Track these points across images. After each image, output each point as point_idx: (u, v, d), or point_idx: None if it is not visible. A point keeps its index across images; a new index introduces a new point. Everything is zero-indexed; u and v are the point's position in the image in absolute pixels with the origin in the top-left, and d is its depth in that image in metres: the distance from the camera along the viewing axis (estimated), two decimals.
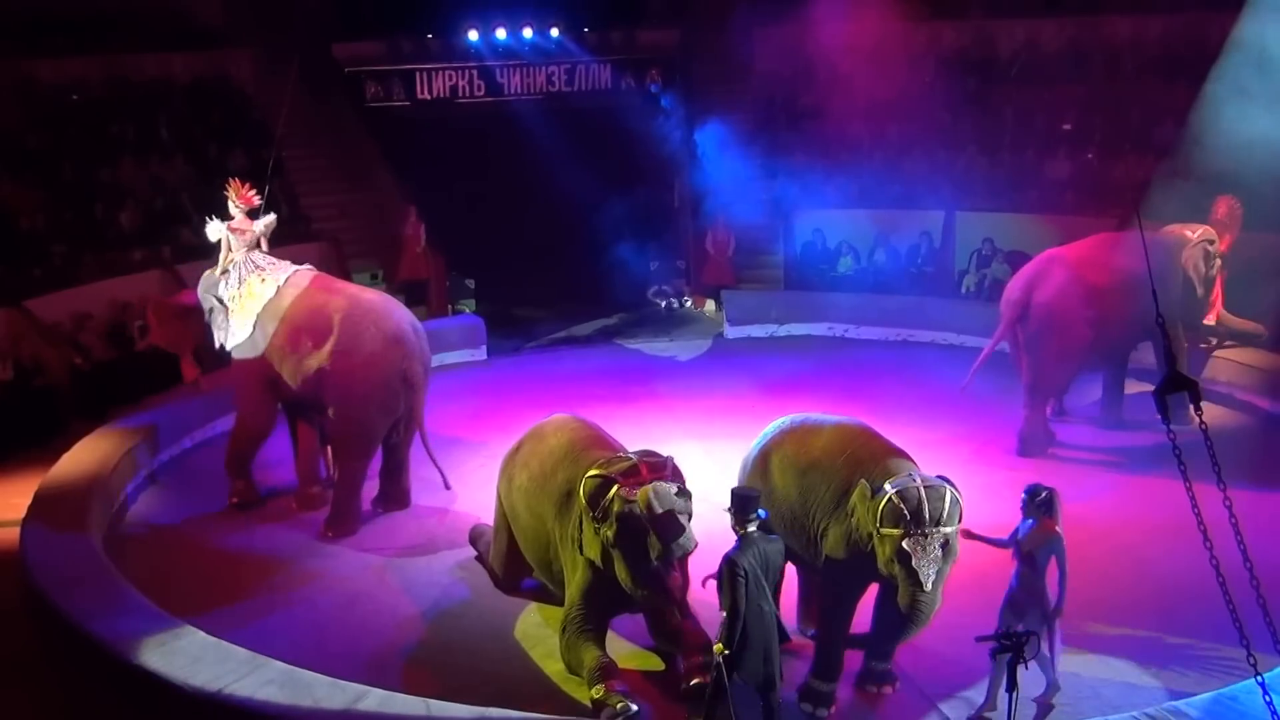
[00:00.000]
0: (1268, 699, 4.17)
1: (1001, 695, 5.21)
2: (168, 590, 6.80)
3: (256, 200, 8.19)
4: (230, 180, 8.30)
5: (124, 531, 7.90)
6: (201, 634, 5.90)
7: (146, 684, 5.53)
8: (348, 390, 7.57)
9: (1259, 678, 4.34)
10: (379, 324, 7.60)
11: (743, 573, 4.76)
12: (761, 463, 5.89)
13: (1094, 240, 9.19)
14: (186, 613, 6.33)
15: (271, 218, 8.31)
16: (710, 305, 13.38)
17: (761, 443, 6.00)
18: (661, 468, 5.52)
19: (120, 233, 11.78)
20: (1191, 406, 4.30)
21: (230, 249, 8.10)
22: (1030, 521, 5.36)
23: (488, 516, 6.99)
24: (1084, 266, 8.65)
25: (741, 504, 4.94)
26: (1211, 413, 4.40)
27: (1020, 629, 4.86)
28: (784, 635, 4.99)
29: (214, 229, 8.15)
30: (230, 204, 8.18)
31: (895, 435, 9.08)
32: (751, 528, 4.92)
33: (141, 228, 11.91)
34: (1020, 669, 4.43)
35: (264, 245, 8.23)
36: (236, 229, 8.13)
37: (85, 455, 8.25)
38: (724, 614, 4.83)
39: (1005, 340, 9.04)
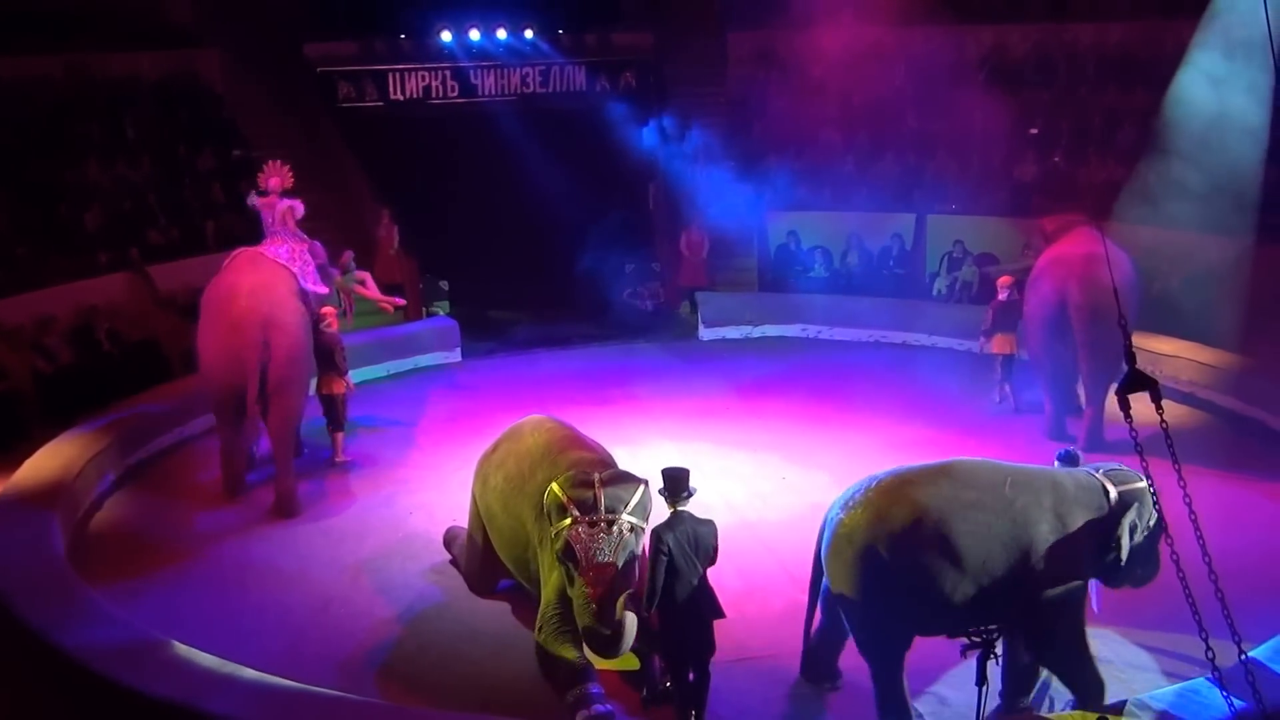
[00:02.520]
0: (1225, 692, 4.24)
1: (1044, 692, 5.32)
2: (134, 598, 6.72)
3: (289, 181, 8.79)
4: (269, 161, 8.96)
5: (89, 538, 7.76)
6: (169, 642, 5.80)
7: (113, 695, 5.42)
8: (203, 372, 8.24)
9: (1216, 671, 4.43)
10: (220, 311, 7.98)
11: (666, 547, 5.10)
12: (875, 522, 5.17)
13: (1084, 238, 9.22)
14: (154, 621, 6.24)
15: (292, 205, 8.75)
16: (685, 307, 13.39)
17: (852, 501, 5.33)
18: (620, 502, 5.27)
19: (85, 234, 11.59)
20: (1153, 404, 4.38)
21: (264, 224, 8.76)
22: None
23: (463, 519, 6.95)
24: (1099, 263, 8.48)
25: (674, 483, 5.23)
26: (1172, 410, 4.46)
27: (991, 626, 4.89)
28: (718, 611, 5.24)
29: (252, 203, 8.86)
30: (266, 182, 8.80)
31: (870, 436, 9.26)
32: (683, 506, 5.21)
33: (108, 229, 11.72)
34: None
35: (290, 224, 8.68)
36: (263, 206, 8.74)
37: (48, 461, 8.09)
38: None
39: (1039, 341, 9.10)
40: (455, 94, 13.91)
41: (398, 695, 5.82)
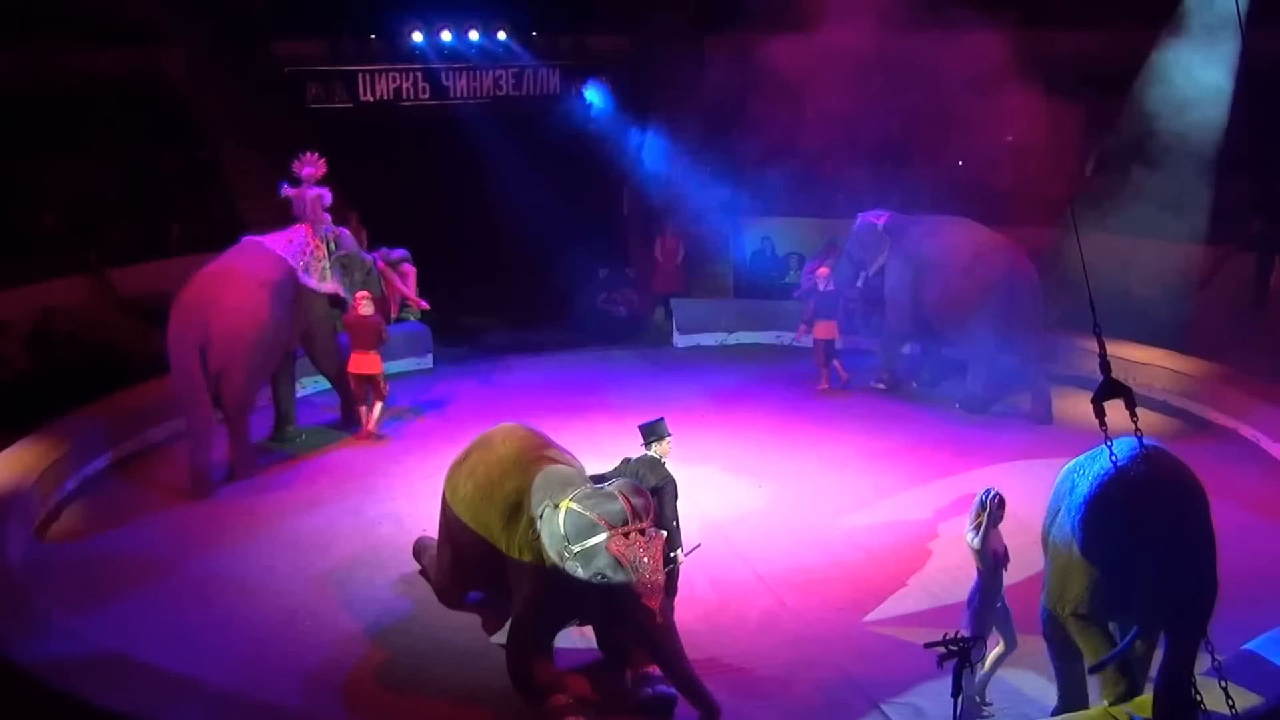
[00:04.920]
0: (1198, 696, 4.25)
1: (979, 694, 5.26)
2: (92, 611, 6.54)
3: (321, 170, 9.23)
4: (305, 153, 9.32)
5: (46, 550, 7.52)
6: (129, 657, 5.65)
7: (69, 711, 5.24)
8: None
9: (1191, 676, 4.43)
10: (180, 294, 8.54)
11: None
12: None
13: (969, 227, 10.36)
14: (112, 634, 6.09)
15: (320, 193, 9.21)
16: (659, 313, 13.32)
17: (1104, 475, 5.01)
18: (646, 509, 5.37)
19: (44, 236, 11.31)
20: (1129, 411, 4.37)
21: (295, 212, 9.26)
22: (993, 527, 5.37)
23: (433, 529, 6.81)
24: (1022, 252, 9.94)
25: (651, 432, 6.16)
26: (1146, 418, 4.47)
27: (966, 634, 4.86)
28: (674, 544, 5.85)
29: (285, 193, 9.30)
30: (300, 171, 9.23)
31: (845, 445, 9.24)
32: (652, 451, 6.07)
33: (66, 230, 11.45)
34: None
35: (318, 213, 9.22)
36: (295, 195, 9.20)
37: (3, 469, 7.84)
38: None
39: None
40: (427, 96, 13.73)
41: (365, 710, 5.70)
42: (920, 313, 10.31)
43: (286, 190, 9.23)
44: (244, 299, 8.47)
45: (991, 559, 5.34)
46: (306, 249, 9.13)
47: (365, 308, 9.25)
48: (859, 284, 10.82)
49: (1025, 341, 9.56)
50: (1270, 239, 10.81)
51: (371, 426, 9.45)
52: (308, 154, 9.30)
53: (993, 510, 5.36)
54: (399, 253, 10.48)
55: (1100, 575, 4.95)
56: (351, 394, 9.59)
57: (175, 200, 12.50)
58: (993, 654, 5.51)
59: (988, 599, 5.36)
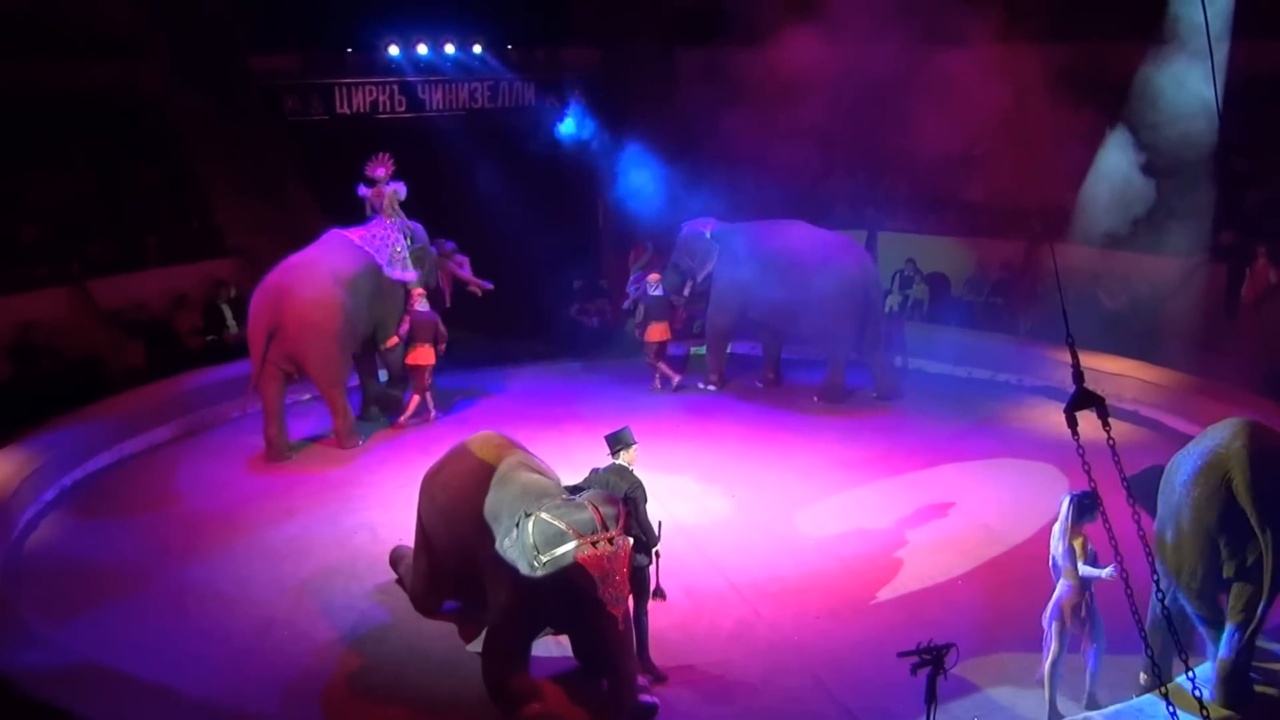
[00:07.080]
0: (1171, 709, 4.33)
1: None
2: (70, 621, 6.53)
3: (391, 168, 9.86)
4: (377, 154, 9.91)
5: (24, 560, 7.51)
6: (107, 667, 5.67)
7: None
8: None
9: (1162, 689, 4.51)
10: (265, 278, 9.18)
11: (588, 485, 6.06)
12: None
13: (796, 227, 11.16)
14: (91, 645, 6.10)
15: (396, 188, 9.84)
16: (631, 324, 13.34)
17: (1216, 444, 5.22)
18: (615, 519, 5.46)
19: (23, 247, 11.27)
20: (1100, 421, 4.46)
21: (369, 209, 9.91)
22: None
23: (408, 538, 6.85)
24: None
25: (616, 442, 6.14)
26: (1117, 428, 4.56)
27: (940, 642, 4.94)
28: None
29: (361, 192, 9.91)
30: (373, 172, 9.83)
31: (817, 454, 9.31)
32: (618, 459, 6.06)
33: (46, 242, 11.42)
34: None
35: (395, 208, 9.90)
36: (372, 194, 9.84)
37: None
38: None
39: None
40: (403, 108, 13.79)
41: (342, 719, 5.71)
42: (760, 313, 10.89)
43: (362, 190, 9.84)
44: (317, 291, 8.98)
45: (1093, 558, 5.35)
46: (387, 242, 9.69)
47: (421, 304, 9.92)
48: (685, 292, 11.23)
49: (873, 330, 10.50)
50: (1240, 251, 10.98)
51: (406, 416, 10.07)
52: (379, 154, 9.88)
53: (1081, 510, 5.33)
54: (449, 245, 10.90)
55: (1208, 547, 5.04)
56: (405, 384, 10.21)
57: (154, 212, 12.49)
58: (1091, 660, 5.51)
59: (1076, 605, 5.36)
